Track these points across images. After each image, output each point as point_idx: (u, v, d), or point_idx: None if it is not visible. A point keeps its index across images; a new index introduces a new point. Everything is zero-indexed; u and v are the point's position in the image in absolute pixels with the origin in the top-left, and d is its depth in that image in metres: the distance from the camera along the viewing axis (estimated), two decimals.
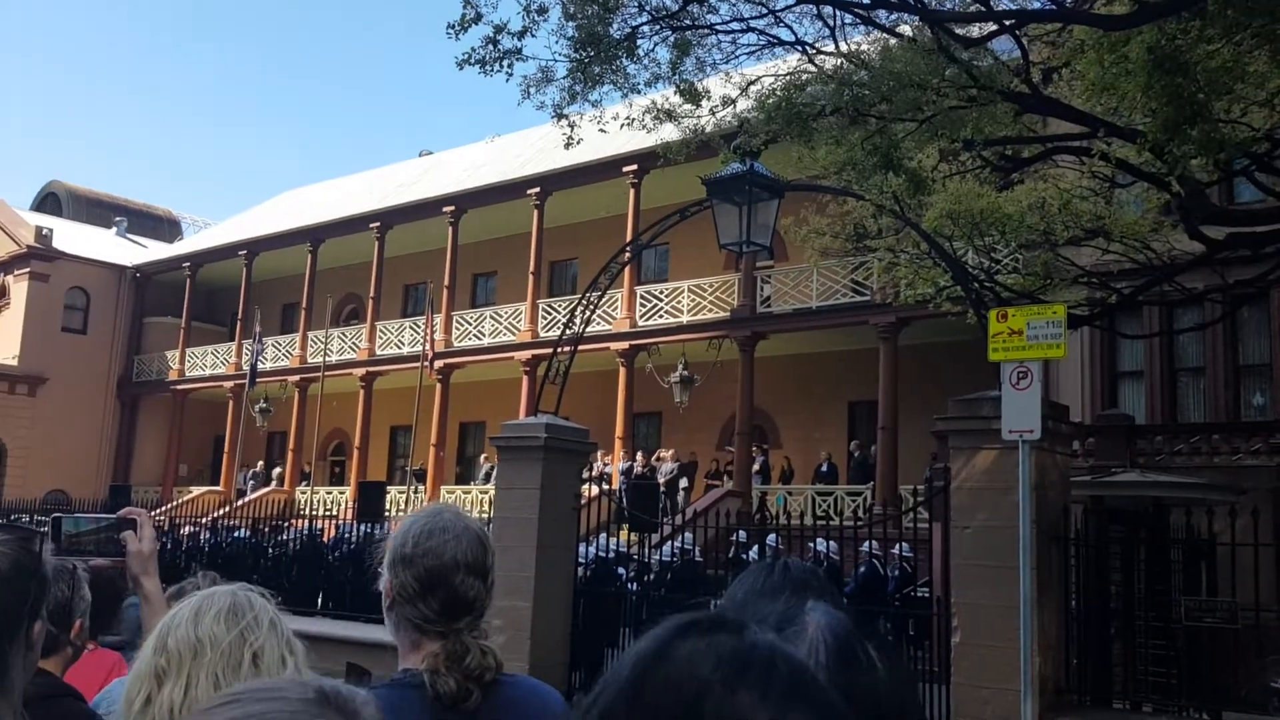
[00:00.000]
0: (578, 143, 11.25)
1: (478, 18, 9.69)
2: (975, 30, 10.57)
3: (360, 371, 31.56)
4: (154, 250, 42.57)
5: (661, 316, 25.80)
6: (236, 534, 19.35)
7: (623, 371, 25.56)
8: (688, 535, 13.83)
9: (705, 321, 24.86)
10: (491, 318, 29.62)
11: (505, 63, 9.91)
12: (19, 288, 37.89)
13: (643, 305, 26.14)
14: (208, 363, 36.66)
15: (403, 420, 31.05)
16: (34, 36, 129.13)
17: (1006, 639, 8.28)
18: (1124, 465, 14.31)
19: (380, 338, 31.94)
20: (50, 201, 47.63)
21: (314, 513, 18.91)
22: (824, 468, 23.32)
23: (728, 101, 11.69)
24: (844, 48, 11.10)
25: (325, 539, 18.29)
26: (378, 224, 32.20)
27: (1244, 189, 16.19)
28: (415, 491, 27.27)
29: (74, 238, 40.12)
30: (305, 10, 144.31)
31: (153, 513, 22.69)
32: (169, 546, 19.87)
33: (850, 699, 1.02)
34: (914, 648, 10.89)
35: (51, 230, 38.67)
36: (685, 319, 25.29)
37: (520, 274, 28.97)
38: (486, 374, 29.63)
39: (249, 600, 1.69)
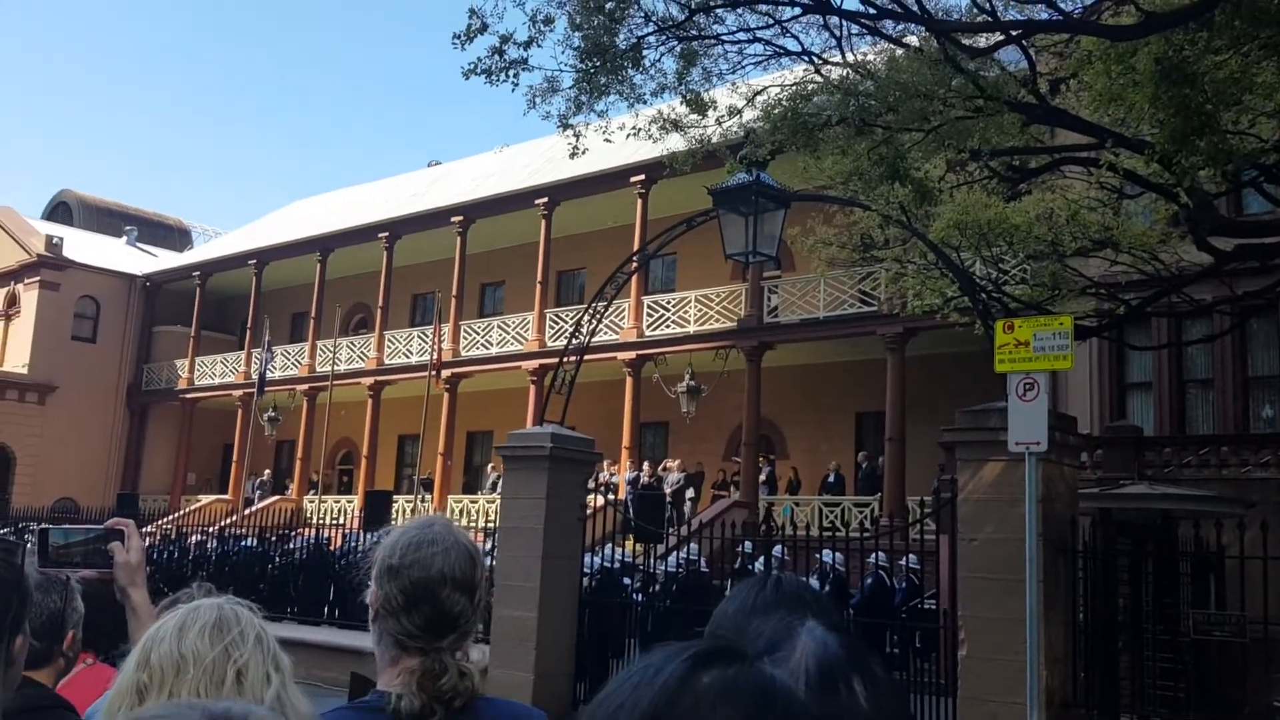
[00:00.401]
0: (583, 153, 11.26)
1: (483, 28, 9.71)
2: (982, 40, 10.56)
3: (368, 380, 31.61)
4: (164, 259, 42.72)
5: (668, 326, 25.78)
6: (244, 543, 19.36)
7: (629, 381, 25.54)
8: (693, 546, 13.79)
9: (712, 331, 24.83)
10: (499, 327, 29.65)
11: (511, 73, 9.92)
12: (29, 296, 38.04)
13: (650, 315, 26.13)
14: (217, 371, 36.74)
15: (410, 429, 31.05)
16: (46, 46, 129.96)
17: (1013, 652, 8.22)
18: (1132, 477, 14.22)
19: (388, 347, 31.99)
20: (61, 210, 47.84)
21: (321, 521, 18.87)
22: (831, 478, 23.26)
23: (734, 112, 11.69)
24: (850, 58, 11.09)
25: (333, 548, 18.29)
26: (386, 234, 32.28)
27: (1252, 200, 16.12)
28: (423, 500, 27.26)
29: (84, 247, 40.27)
30: (315, 22, 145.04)
31: (160, 521, 22.74)
32: (176, 555, 19.90)
33: None
34: (921, 660, 10.84)
35: (62, 239, 38.83)
36: (692, 329, 25.28)
37: (528, 283, 29.00)
38: (494, 383, 29.65)
39: (235, 615, 1.65)
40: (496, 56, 9.79)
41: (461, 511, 26.82)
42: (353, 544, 17.04)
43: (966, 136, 9.67)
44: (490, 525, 14.25)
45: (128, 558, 2.43)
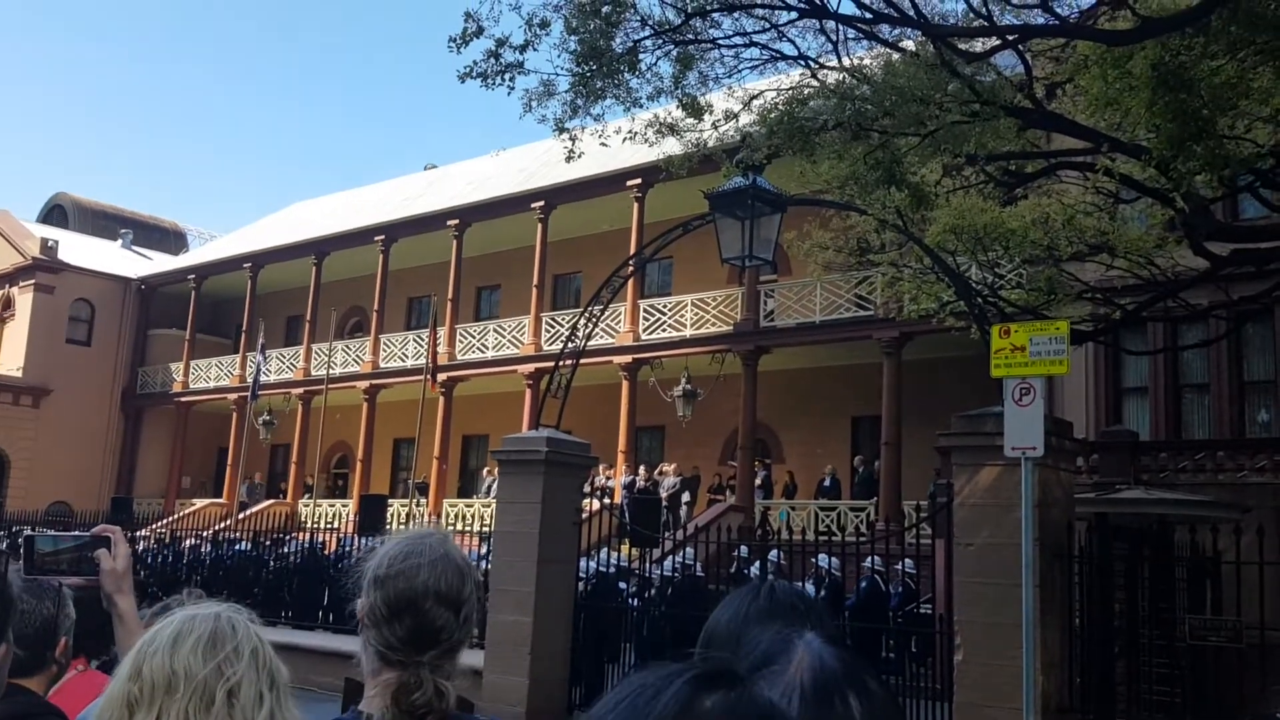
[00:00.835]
0: (579, 156, 11.24)
1: (479, 31, 9.69)
2: (978, 45, 10.56)
3: (364, 384, 31.57)
4: (159, 262, 42.65)
5: (664, 330, 25.78)
6: (238, 547, 19.31)
7: (625, 385, 25.52)
8: (689, 550, 13.77)
9: (708, 335, 24.83)
10: (495, 331, 29.63)
11: (507, 76, 9.90)
12: (24, 299, 37.96)
13: (646, 319, 26.13)
14: (212, 375, 36.68)
15: (406, 433, 31.01)
16: (42, 49, 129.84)
17: (1009, 657, 8.21)
18: (1128, 482, 14.23)
19: (384, 350, 31.95)
20: (56, 213, 47.76)
21: (316, 525, 18.83)
22: (827, 482, 23.25)
23: (730, 116, 11.68)
24: (847, 62, 11.09)
25: (327, 552, 18.24)
26: (382, 237, 32.25)
27: (1248, 205, 16.15)
28: (418, 504, 27.21)
29: (79, 250, 40.20)
30: (311, 24, 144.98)
31: (155, 524, 22.64)
32: (170, 559, 19.84)
33: None
34: (917, 665, 10.83)
35: (57, 242, 38.75)
36: (688, 333, 25.27)
37: (524, 287, 28.98)
38: (489, 387, 29.62)
39: (231, 627, 1.62)
40: (492, 60, 9.78)
41: (457, 515, 26.77)
42: (347, 548, 17.00)
43: (963, 141, 9.67)
44: (486, 529, 14.22)
45: (114, 565, 2.41)
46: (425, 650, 1.92)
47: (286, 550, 18.31)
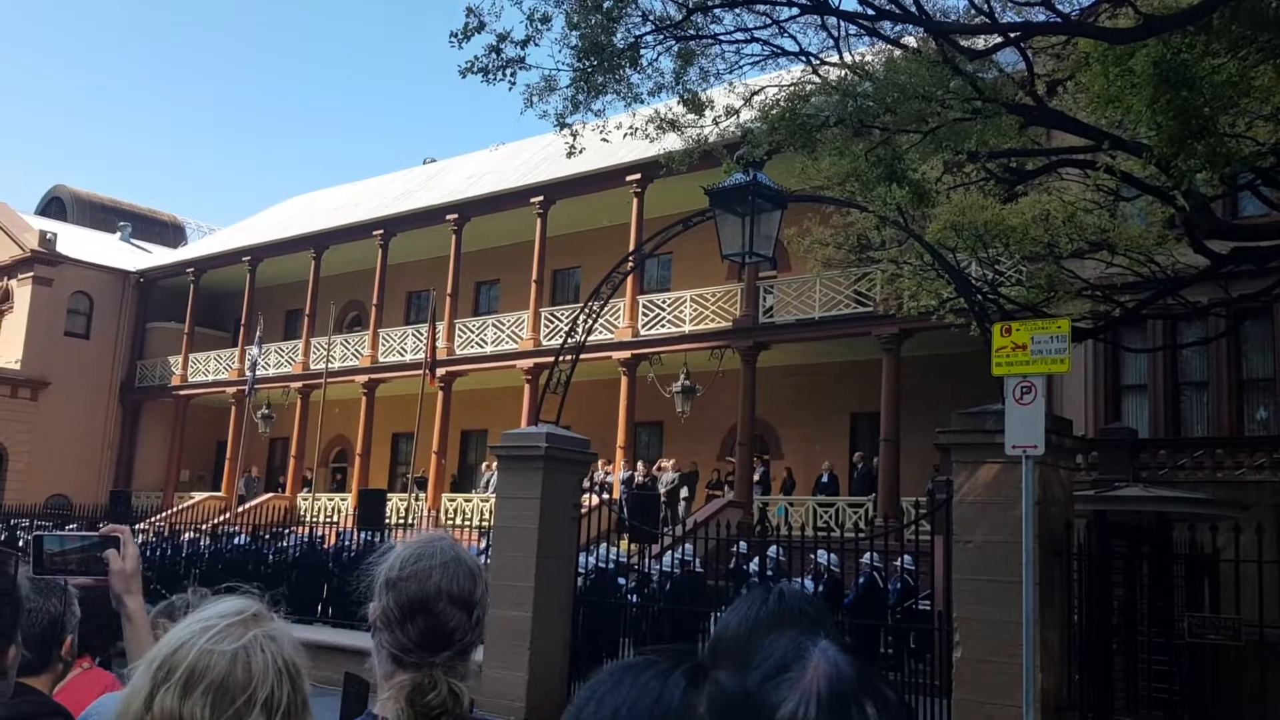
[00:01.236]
0: (580, 152, 11.23)
1: (481, 26, 9.67)
2: (980, 42, 10.55)
3: (363, 378, 31.56)
4: (158, 255, 42.61)
5: (664, 326, 25.77)
6: (237, 540, 19.31)
7: (624, 380, 25.52)
8: (688, 546, 13.79)
9: (707, 331, 24.82)
10: (494, 325, 29.61)
11: (508, 71, 9.88)
12: (22, 292, 37.92)
13: (645, 314, 26.12)
14: (210, 368, 36.66)
15: (405, 427, 31.01)
16: (41, 41, 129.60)
17: (1009, 654, 8.23)
18: (1127, 480, 14.24)
19: (383, 345, 31.94)
20: (55, 206, 47.70)
21: (315, 519, 18.83)
22: (825, 479, 23.26)
23: (731, 111, 11.67)
24: (848, 59, 11.08)
25: (326, 546, 18.25)
26: (381, 231, 32.22)
27: (1247, 202, 16.15)
28: (416, 499, 27.21)
29: (78, 242, 40.16)
30: (311, 17, 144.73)
31: (154, 518, 22.66)
32: (169, 552, 19.85)
33: None
34: (915, 661, 10.84)
35: (55, 235, 38.71)
36: (687, 328, 25.26)
37: (523, 282, 28.97)
38: (488, 382, 29.61)
39: (248, 665, 1.50)
40: (494, 55, 9.76)
41: (455, 510, 26.78)
42: (346, 542, 17.01)
43: (964, 138, 9.65)
44: (485, 524, 14.24)
45: (123, 565, 2.40)
46: (439, 652, 1.94)
47: (285, 544, 18.32)
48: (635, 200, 25.88)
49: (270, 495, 31.99)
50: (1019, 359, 7.94)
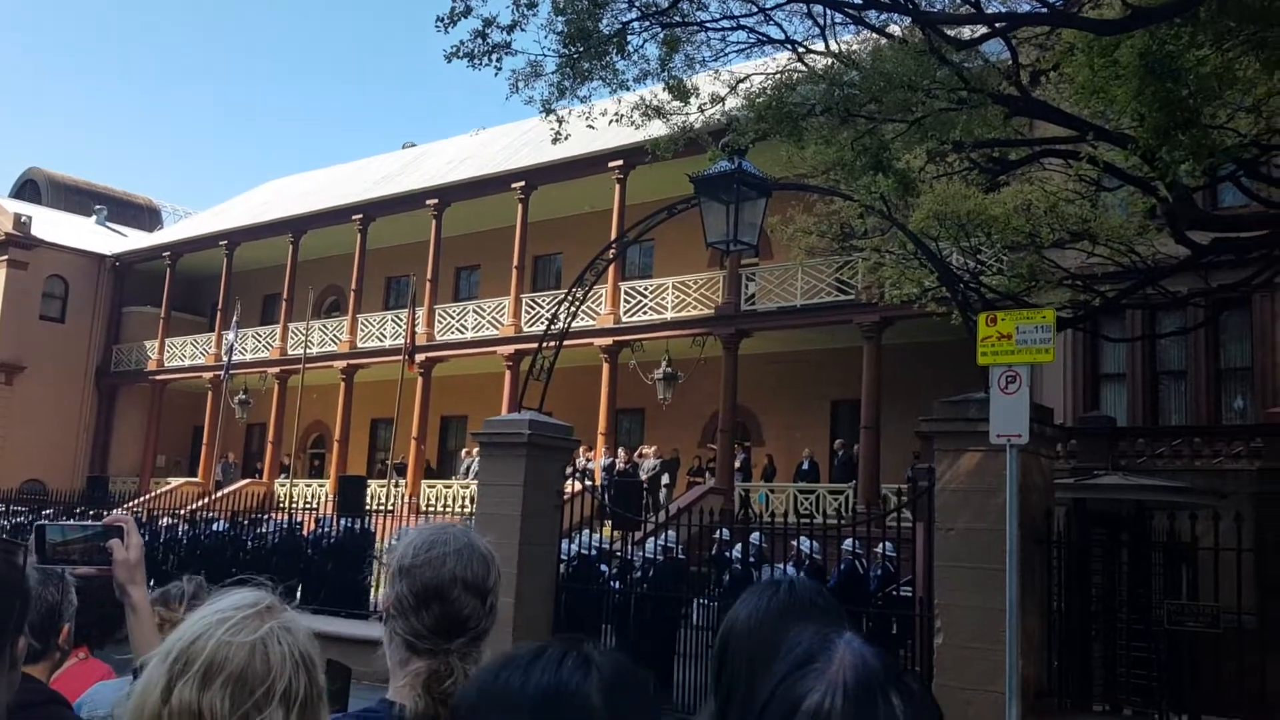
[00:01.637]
0: (566, 138, 11.21)
1: (467, 11, 9.62)
2: (966, 32, 10.56)
3: (341, 364, 31.41)
4: (134, 239, 42.22)
5: (646, 313, 25.76)
6: (215, 526, 19.22)
7: (606, 367, 25.51)
8: (670, 532, 13.81)
9: (689, 318, 24.84)
10: (474, 311, 29.51)
11: (494, 57, 9.84)
12: None
13: (627, 301, 26.10)
14: (187, 353, 36.40)
15: (384, 413, 30.91)
16: (12, 22, 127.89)
17: (990, 641, 8.29)
18: (1106, 468, 14.34)
19: (362, 330, 31.80)
20: (29, 189, 47.16)
21: (294, 505, 18.75)
22: (805, 466, 23.35)
23: (717, 99, 11.65)
24: (834, 47, 11.07)
25: (305, 533, 18.19)
26: (360, 216, 32.04)
27: (1226, 193, 16.26)
28: (395, 485, 27.15)
29: (53, 225, 39.71)
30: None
31: (130, 503, 22.50)
32: (147, 538, 19.71)
33: None
34: (896, 647, 10.90)
35: (30, 218, 38.28)
36: (669, 315, 25.27)
37: (504, 268, 28.88)
38: (469, 368, 29.54)
39: (266, 657, 1.50)
40: (480, 40, 9.71)
41: (436, 496, 26.74)
42: (326, 529, 16.95)
43: (950, 128, 9.68)
44: (466, 511, 14.22)
45: (127, 555, 2.38)
46: (453, 638, 1.94)
47: (264, 530, 18.25)
48: (618, 187, 25.83)
49: (248, 481, 31.82)
50: (1004, 349, 7.98)
